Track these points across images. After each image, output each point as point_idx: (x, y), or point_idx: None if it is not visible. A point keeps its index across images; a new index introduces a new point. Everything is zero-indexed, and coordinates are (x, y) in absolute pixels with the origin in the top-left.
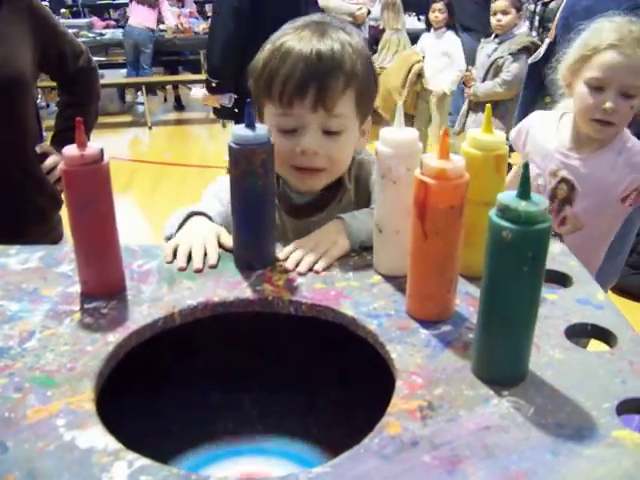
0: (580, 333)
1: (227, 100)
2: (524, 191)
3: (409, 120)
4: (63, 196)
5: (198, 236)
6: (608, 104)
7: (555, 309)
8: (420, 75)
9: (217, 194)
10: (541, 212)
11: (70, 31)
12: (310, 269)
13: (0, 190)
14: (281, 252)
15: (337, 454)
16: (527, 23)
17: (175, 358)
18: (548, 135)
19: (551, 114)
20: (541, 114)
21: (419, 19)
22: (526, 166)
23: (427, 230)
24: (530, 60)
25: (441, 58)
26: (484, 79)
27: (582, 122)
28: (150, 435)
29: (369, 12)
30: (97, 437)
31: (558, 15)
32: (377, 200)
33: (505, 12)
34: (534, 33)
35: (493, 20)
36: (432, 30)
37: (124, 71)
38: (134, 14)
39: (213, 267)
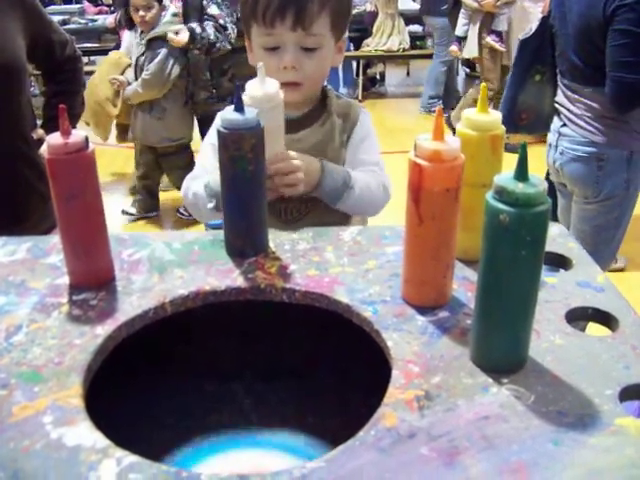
0: (581, 317)
1: None
2: (521, 172)
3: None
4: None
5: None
6: None
7: (555, 293)
8: None
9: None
10: (539, 194)
11: (62, 17)
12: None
13: (3, 175)
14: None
15: (334, 444)
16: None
17: (167, 349)
18: None
19: None
20: None
21: (414, 0)
22: (524, 147)
23: (422, 214)
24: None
25: None
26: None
27: None
28: (143, 427)
29: None
30: (85, 434)
31: None
32: None
33: (148, 7)
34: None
35: (136, 17)
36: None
37: None
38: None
39: None
